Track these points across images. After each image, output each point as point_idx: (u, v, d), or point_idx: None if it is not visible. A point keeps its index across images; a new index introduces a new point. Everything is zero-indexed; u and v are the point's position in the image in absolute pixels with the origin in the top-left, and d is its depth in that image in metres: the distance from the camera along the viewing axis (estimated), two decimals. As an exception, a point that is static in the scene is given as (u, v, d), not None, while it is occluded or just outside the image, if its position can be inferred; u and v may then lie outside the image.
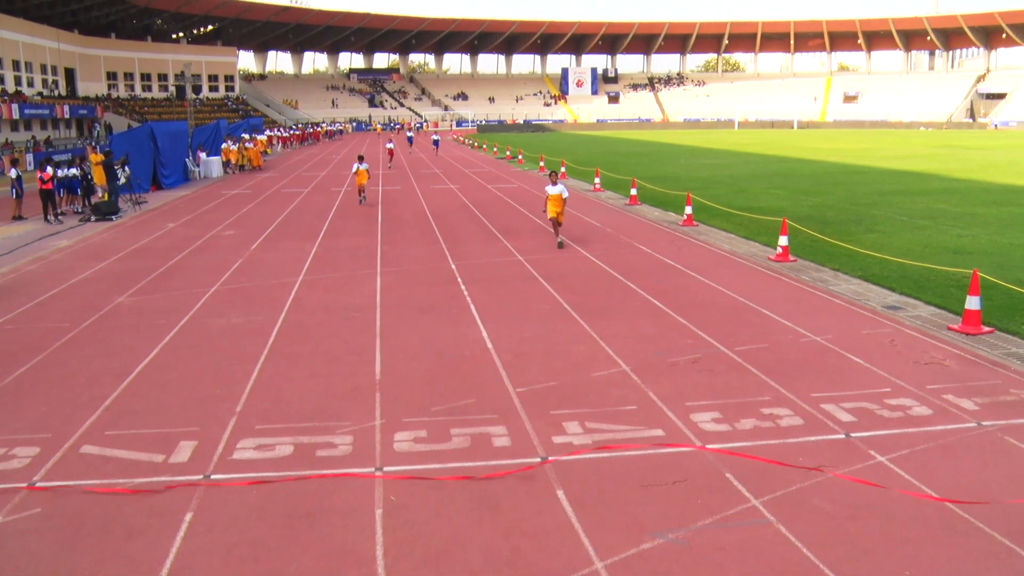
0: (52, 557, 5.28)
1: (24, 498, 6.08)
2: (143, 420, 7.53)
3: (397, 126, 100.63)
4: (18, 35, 63.26)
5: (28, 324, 11.10)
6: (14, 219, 22.17)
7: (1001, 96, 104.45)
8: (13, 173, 22.83)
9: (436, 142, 54.08)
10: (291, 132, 69.85)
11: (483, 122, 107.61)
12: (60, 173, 22.97)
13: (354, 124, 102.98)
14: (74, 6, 72.14)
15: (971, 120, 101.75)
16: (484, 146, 58.36)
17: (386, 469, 6.51)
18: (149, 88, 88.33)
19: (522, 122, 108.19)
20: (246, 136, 42.77)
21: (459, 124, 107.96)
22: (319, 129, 77.94)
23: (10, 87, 60.51)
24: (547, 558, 5.24)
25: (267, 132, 58.93)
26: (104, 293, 12.96)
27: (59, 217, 21.99)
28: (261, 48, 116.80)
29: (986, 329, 10.16)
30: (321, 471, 6.48)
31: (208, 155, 37.02)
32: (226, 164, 38.18)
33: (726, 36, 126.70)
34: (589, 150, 54.09)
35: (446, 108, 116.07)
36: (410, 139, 60.57)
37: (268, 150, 58.04)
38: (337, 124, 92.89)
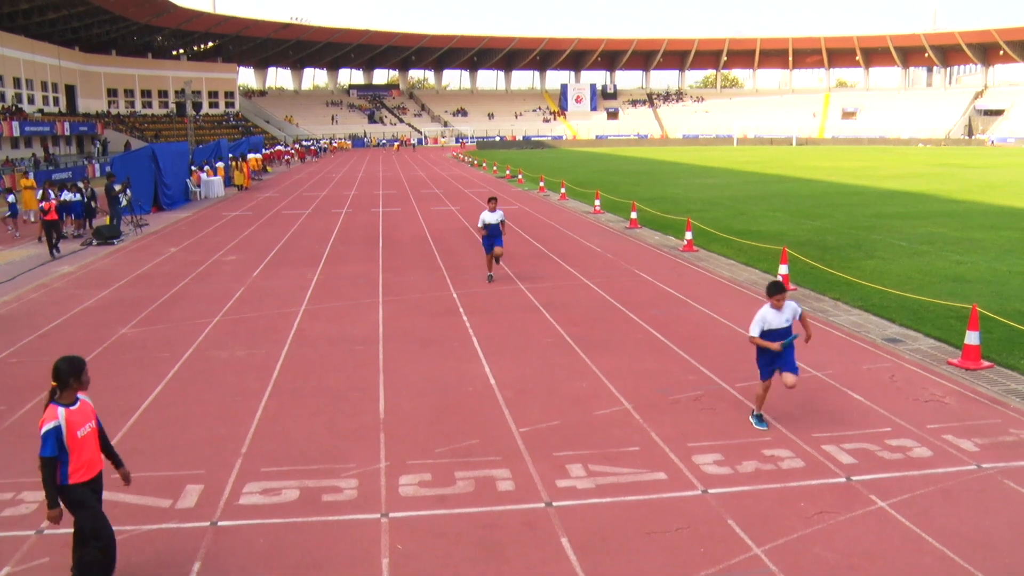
0: (61, 610, 5.32)
1: (32, 546, 6.12)
2: (149, 462, 7.57)
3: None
4: (19, 52, 63.59)
5: (33, 358, 11.15)
6: (39, 240, 21.83)
7: (999, 113, 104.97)
8: (39, 195, 22.54)
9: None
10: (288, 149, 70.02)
11: (482, 138, 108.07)
12: (62, 197, 22.91)
13: (353, 140, 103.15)
14: (75, 24, 72.55)
15: (969, 136, 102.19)
16: (484, 164, 58.48)
17: (392, 515, 6.56)
18: (149, 104, 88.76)
19: (521, 138, 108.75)
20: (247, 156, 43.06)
21: (458, 140, 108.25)
22: (292, 148, 76.07)
23: (11, 104, 60.74)
24: (552, 611, 5.29)
25: (253, 153, 52.32)
26: (107, 324, 13.02)
27: (59, 249, 20.34)
28: (261, 64, 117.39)
29: (985, 364, 10.23)
30: (327, 517, 6.53)
31: (208, 176, 37.22)
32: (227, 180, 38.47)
33: (725, 52, 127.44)
34: (589, 169, 54.23)
35: (445, 124, 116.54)
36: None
37: (269, 168, 58.23)
38: (319, 142, 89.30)
